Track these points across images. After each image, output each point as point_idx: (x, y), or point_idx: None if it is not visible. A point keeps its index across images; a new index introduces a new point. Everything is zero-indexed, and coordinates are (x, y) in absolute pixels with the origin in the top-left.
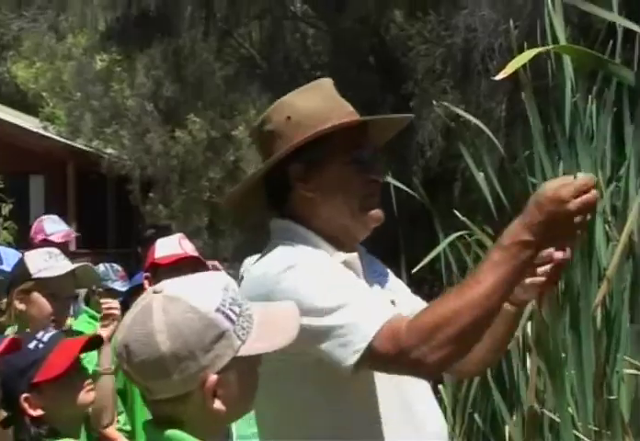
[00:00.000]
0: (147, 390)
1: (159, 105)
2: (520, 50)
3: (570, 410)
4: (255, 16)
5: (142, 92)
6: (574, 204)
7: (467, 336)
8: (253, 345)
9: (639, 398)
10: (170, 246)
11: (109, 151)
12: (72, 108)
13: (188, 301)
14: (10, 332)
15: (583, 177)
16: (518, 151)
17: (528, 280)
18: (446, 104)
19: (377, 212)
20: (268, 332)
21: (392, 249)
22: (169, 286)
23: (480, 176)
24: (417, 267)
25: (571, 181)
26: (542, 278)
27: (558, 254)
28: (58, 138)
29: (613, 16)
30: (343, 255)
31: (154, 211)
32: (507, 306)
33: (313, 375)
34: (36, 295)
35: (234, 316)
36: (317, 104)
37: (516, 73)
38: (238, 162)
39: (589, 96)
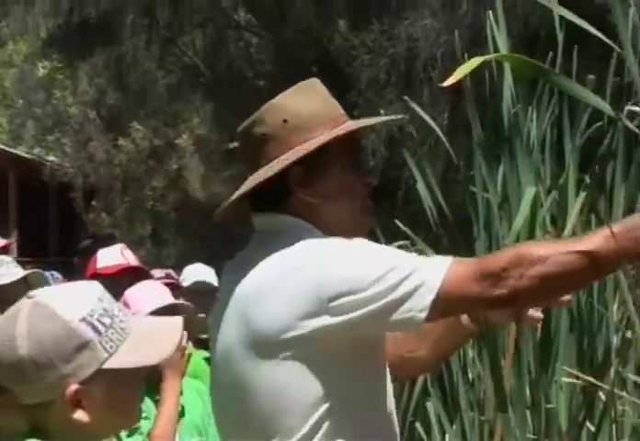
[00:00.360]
0: (17, 395)
1: (102, 112)
2: (463, 60)
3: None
4: (198, 24)
5: (85, 99)
6: None
7: (549, 287)
8: (122, 359)
9: (576, 407)
10: (112, 256)
11: (52, 158)
12: (13, 116)
13: (54, 309)
14: None
15: None
16: (459, 160)
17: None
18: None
19: (369, 221)
20: (142, 346)
21: None
22: (43, 292)
23: (421, 186)
24: None
25: None
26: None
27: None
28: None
29: (573, 17)
30: None
31: (97, 220)
32: (470, 325)
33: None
34: None
35: (101, 327)
36: (313, 106)
37: (459, 82)
38: (181, 170)
39: (530, 107)
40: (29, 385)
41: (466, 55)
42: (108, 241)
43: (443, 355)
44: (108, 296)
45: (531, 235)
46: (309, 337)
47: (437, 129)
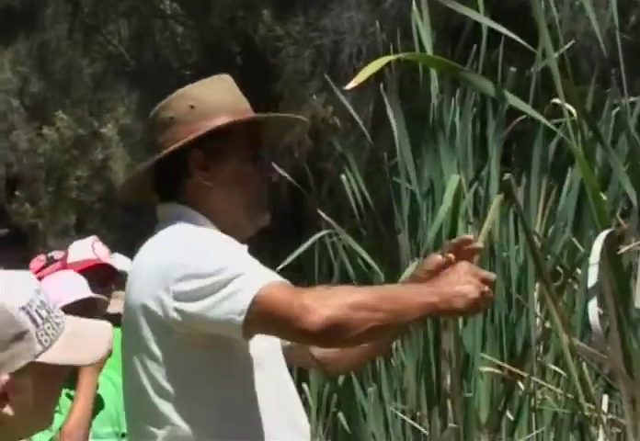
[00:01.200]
0: None
1: (25, 101)
2: (387, 53)
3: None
4: (123, 13)
5: (8, 88)
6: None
7: (360, 314)
8: (56, 355)
9: (496, 397)
10: (83, 251)
11: None
12: None
13: None
14: None
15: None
16: (383, 153)
17: None
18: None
19: (267, 213)
20: (75, 345)
21: (256, 247)
22: None
23: (345, 177)
24: (283, 264)
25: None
26: None
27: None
28: None
29: (479, 17)
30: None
31: (21, 210)
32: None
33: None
34: None
35: (39, 319)
36: (221, 96)
37: (383, 74)
38: (107, 160)
39: (453, 99)
40: None
41: (391, 47)
42: (22, 232)
43: (382, 347)
44: (43, 289)
45: (453, 225)
46: (161, 320)
47: (358, 119)
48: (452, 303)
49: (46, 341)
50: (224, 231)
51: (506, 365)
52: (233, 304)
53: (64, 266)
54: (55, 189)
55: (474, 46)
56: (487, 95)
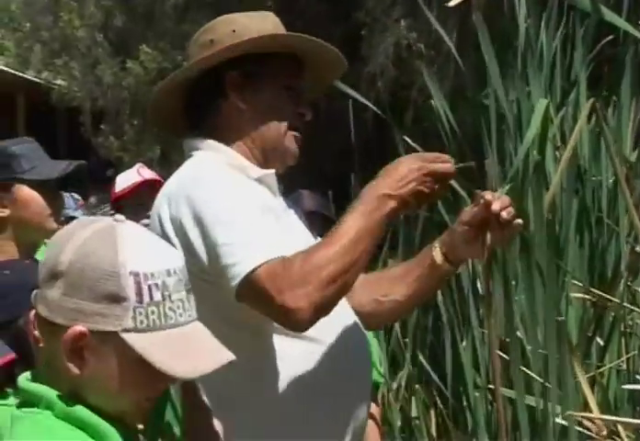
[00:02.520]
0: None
1: (109, 36)
2: None
3: (519, 333)
4: None
5: (92, 22)
6: (425, 166)
7: (337, 283)
8: (145, 345)
9: (586, 321)
10: (128, 177)
11: (60, 82)
12: (20, 40)
13: (120, 244)
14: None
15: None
16: (469, 78)
17: (466, 239)
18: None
19: (296, 149)
20: (173, 351)
21: (345, 180)
22: (129, 224)
23: (436, 101)
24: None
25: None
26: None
27: (504, 214)
28: (7, 69)
29: None
30: (260, 171)
31: (106, 143)
32: (444, 264)
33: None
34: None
35: (147, 297)
36: (263, 25)
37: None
38: None
39: (541, 23)
40: (47, 292)
41: None
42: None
43: (420, 298)
44: (180, 275)
45: (541, 151)
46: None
47: (448, 41)
48: (404, 197)
49: (141, 323)
50: (255, 158)
51: (595, 291)
52: (230, 270)
53: (114, 197)
54: (140, 123)
55: None
56: (578, 10)
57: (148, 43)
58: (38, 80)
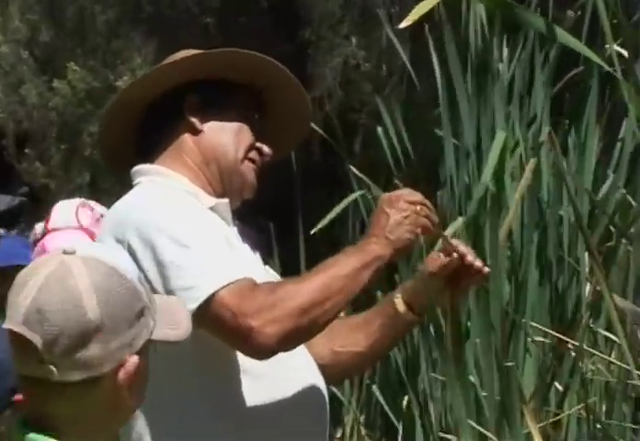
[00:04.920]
0: (50, 371)
1: (35, 52)
2: None
3: (472, 378)
4: None
5: (17, 38)
6: (404, 204)
7: (309, 315)
8: (162, 330)
9: (544, 366)
10: (65, 217)
11: None
12: None
13: (113, 266)
14: None
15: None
16: (422, 100)
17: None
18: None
19: (253, 180)
20: (167, 321)
21: (287, 209)
22: (82, 248)
23: (387, 125)
24: (318, 227)
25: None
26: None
27: (478, 264)
28: None
29: None
30: (213, 200)
31: (31, 169)
32: (407, 314)
33: None
34: None
35: (148, 292)
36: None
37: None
38: None
39: (502, 44)
40: (82, 354)
41: None
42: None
43: (382, 349)
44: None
45: (499, 183)
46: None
47: (405, 59)
48: (396, 245)
49: (154, 314)
50: (211, 185)
51: (554, 333)
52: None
53: (47, 231)
54: (68, 147)
55: None
56: (540, 35)
57: (77, 61)
58: None
